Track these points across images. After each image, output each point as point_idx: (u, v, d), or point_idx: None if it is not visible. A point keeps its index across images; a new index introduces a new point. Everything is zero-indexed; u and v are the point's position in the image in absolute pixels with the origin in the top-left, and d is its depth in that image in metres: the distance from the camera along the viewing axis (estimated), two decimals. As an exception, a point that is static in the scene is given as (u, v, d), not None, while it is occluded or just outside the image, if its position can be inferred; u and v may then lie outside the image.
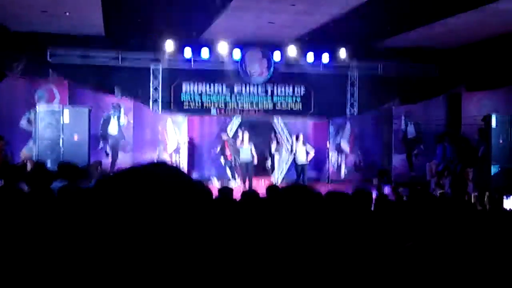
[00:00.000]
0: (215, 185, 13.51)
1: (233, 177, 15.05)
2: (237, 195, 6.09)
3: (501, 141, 12.11)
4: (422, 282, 2.61)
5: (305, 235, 2.24)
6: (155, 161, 1.28)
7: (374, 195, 6.49)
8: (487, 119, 12.51)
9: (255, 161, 14.41)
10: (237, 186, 13.72)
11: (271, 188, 5.55)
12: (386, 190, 10.45)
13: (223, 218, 3.76)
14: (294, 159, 14.95)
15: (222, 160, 15.51)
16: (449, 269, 2.64)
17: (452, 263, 2.69)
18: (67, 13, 12.88)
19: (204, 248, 1.16)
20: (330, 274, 2.11)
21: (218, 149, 15.52)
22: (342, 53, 16.45)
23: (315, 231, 2.31)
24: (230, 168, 15.40)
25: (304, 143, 14.50)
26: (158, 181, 1.14)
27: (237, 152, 14.93)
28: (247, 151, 14.49)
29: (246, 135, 14.64)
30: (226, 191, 5.23)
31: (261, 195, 5.34)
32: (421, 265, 2.73)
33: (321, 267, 2.11)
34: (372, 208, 5.89)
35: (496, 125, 12.22)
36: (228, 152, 15.23)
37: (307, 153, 14.45)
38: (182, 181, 1.19)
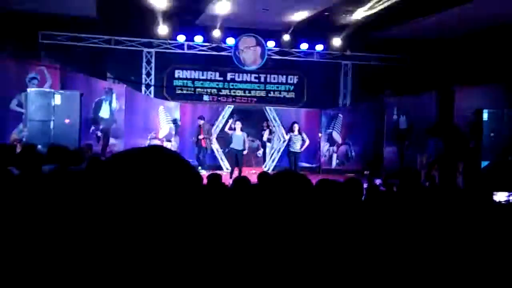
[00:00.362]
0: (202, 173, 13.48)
1: (203, 167, 14.75)
2: (225, 182, 6.07)
3: (492, 135, 12.16)
4: (414, 272, 2.61)
5: (296, 222, 2.23)
6: (152, 145, 1.26)
7: (365, 186, 6.50)
8: (479, 113, 12.55)
9: (245, 151, 14.35)
10: (225, 174, 13.71)
11: (262, 175, 5.54)
12: (377, 181, 10.47)
13: (214, 204, 3.74)
14: (287, 147, 14.93)
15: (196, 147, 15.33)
16: (441, 258, 2.65)
17: (444, 253, 2.69)
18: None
19: (198, 232, 1.16)
20: (322, 261, 2.10)
21: (195, 138, 15.32)
22: (336, 42, 16.38)
23: (306, 218, 2.31)
24: (198, 157, 15.21)
25: (300, 132, 14.49)
26: (156, 164, 1.14)
27: (224, 139, 14.91)
28: (239, 140, 14.43)
29: (239, 124, 14.59)
30: (215, 176, 5.19)
31: (252, 183, 5.33)
32: (414, 255, 2.74)
33: (313, 253, 2.10)
34: (363, 199, 5.91)
35: (488, 120, 12.27)
36: (201, 137, 15.07)
37: (303, 141, 14.45)
38: (179, 165, 1.18)
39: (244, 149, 14.20)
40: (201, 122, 15.20)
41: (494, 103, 13.35)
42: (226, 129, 15.04)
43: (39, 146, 9.91)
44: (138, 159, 1.16)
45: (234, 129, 14.63)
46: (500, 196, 6.89)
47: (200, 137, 15.06)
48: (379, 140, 16.31)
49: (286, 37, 16.24)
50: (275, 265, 1.98)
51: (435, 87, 16.04)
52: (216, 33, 15.95)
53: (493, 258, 2.74)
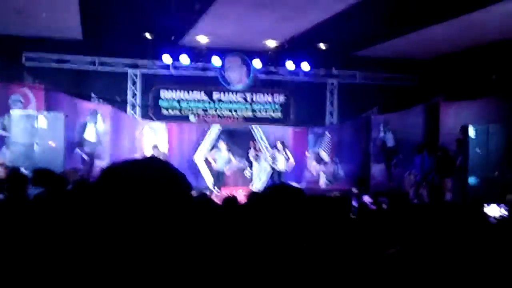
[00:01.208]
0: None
1: None
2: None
3: (478, 151, 12.18)
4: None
5: (287, 236, 2.17)
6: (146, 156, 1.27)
7: (354, 203, 6.44)
8: (465, 129, 12.57)
9: (232, 169, 14.29)
10: (212, 194, 13.62)
11: (252, 194, 5.46)
12: (366, 198, 10.42)
13: (206, 223, 3.66)
14: (272, 167, 14.91)
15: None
16: (431, 274, 2.60)
17: (435, 268, 2.64)
18: (44, 15, 12.63)
19: (191, 242, 1.18)
20: (314, 275, 2.05)
21: None
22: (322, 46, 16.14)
23: (297, 233, 2.24)
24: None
25: (284, 149, 14.46)
26: (151, 174, 1.17)
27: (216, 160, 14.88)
28: (222, 161, 14.39)
29: (222, 145, 14.56)
30: (204, 197, 5.10)
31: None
32: (403, 271, 2.68)
33: (305, 267, 2.04)
34: (353, 216, 5.85)
35: (474, 135, 12.30)
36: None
37: (287, 159, 14.41)
38: (172, 175, 1.20)
39: (223, 170, 14.11)
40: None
41: (479, 118, 13.41)
42: (214, 153, 15.00)
43: (22, 169, 9.75)
44: (135, 168, 1.19)
45: (219, 149, 14.61)
46: (492, 209, 6.86)
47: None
48: (366, 158, 16.31)
49: (272, 56, 16.22)
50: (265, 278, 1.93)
51: (421, 103, 16.13)
52: (201, 53, 15.89)
53: (487, 271, 2.69)
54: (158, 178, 1.15)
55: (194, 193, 13.99)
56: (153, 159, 1.23)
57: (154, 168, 1.18)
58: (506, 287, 2.67)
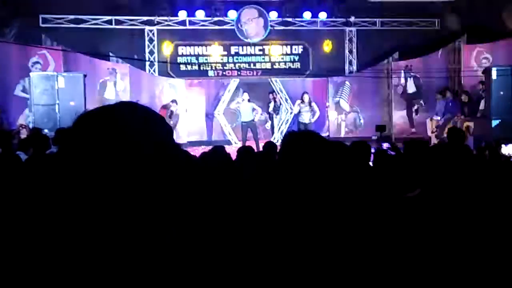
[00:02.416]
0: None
1: None
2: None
3: (501, 93, 11.97)
4: (423, 232, 2.55)
5: (304, 182, 2.15)
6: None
7: (373, 150, 6.42)
8: (488, 71, 12.35)
9: (257, 119, 14.24)
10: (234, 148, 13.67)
11: (268, 144, 5.47)
12: (385, 145, 10.38)
13: (220, 175, 3.69)
14: (297, 118, 14.80)
15: None
16: (451, 217, 2.58)
17: (454, 211, 2.62)
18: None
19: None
20: (332, 223, 2.04)
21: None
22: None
23: (314, 179, 2.22)
24: None
25: (310, 103, 14.33)
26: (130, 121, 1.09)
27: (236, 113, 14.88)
28: (247, 112, 14.32)
29: (246, 95, 14.49)
30: (219, 148, 5.10)
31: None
32: (424, 214, 2.67)
33: (321, 214, 2.03)
34: (372, 162, 5.84)
35: (497, 77, 12.07)
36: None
37: (313, 112, 14.32)
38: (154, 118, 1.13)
39: (253, 119, 14.08)
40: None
41: (502, 60, 13.14)
42: (235, 105, 14.96)
43: (46, 131, 9.91)
44: (111, 114, 1.10)
45: (242, 101, 14.56)
46: (508, 149, 6.78)
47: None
48: (387, 105, 16.16)
49: (289, 7, 15.97)
50: (279, 228, 1.92)
51: (442, 47, 15.82)
52: (218, 6, 15.73)
53: (503, 215, 2.67)
54: (133, 123, 1.08)
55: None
56: (127, 103, 1.14)
57: (129, 113, 1.11)
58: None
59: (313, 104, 14.46)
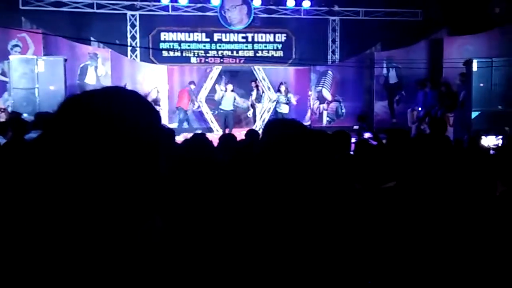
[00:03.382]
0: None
1: None
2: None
3: (481, 85, 12.09)
4: (395, 223, 2.57)
5: (284, 169, 2.15)
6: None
7: (354, 140, 6.45)
8: (469, 63, 12.45)
9: (238, 109, 14.35)
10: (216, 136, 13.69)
11: (250, 132, 5.46)
12: (366, 135, 10.44)
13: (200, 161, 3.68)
14: (275, 109, 14.90)
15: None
16: (424, 209, 2.60)
17: (428, 202, 2.64)
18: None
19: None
20: (310, 209, 2.05)
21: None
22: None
23: (295, 167, 2.22)
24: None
25: (286, 93, 14.43)
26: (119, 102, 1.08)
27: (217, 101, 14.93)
28: (229, 101, 14.37)
29: (230, 86, 14.56)
30: (200, 135, 5.08)
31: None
32: (400, 205, 2.69)
33: (302, 202, 2.03)
34: (353, 152, 5.86)
35: (477, 69, 12.19)
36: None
37: (289, 103, 14.44)
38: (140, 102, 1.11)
39: (233, 110, 14.15)
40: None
41: (483, 52, 13.25)
42: (219, 93, 15.03)
43: (25, 115, 9.79)
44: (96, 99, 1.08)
45: (225, 90, 14.62)
46: (488, 140, 6.86)
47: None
48: (369, 95, 16.23)
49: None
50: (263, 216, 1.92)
51: (424, 39, 15.91)
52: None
53: (483, 204, 2.70)
54: (121, 109, 1.06)
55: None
56: (114, 88, 1.12)
57: (116, 99, 1.08)
58: (502, 218, 2.69)
59: (290, 95, 14.57)
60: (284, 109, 14.40)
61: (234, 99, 14.46)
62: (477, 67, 12.16)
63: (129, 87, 11.45)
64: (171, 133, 3.81)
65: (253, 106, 16.30)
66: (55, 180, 1.02)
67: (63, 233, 1.00)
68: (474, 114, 12.01)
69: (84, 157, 1.00)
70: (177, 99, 15.62)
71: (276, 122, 2.31)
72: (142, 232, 1.05)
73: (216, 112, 16.04)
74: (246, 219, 1.91)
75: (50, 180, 1.02)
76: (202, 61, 16.83)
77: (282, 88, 14.51)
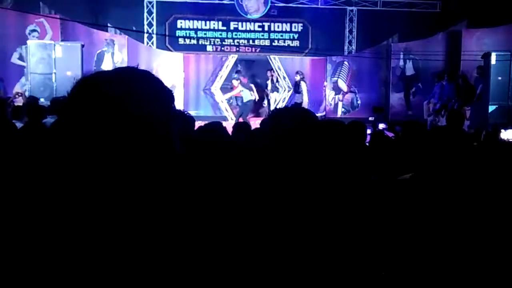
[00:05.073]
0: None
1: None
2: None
3: (499, 78, 11.97)
4: (418, 214, 2.57)
5: (297, 159, 2.14)
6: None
7: (369, 131, 6.41)
8: (487, 56, 12.33)
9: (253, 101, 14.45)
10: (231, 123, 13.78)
11: (264, 119, 5.45)
12: (381, 126, 10.39)
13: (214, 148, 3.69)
14: (293, 99, 14.94)
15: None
16: (447, 200, 2.59)
17: (445, 196, 2.63)
18: None
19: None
20: (324, 199, 2.04)
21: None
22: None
23: (308, 156, 2.22)
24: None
25: (299, 85, 14.50)
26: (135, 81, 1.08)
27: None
28: (246, 93, 14.55)
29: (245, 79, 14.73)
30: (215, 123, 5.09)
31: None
32: (416, 197, 2.68)
33: (314, 192, 2.03)
34: (368, 143, 5.83)
35: (496, 63, 12.06)
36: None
37: (300, 92, 14.52)
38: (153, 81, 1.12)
39: (249, 101, 14.29)
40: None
41: (502, 46, 13.11)
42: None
43: (42, 100, 9.87)
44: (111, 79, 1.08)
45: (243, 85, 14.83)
46: (507, 134, 6.79)
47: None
48: (385, 87, 16.13)
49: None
50: (275, 205, 1.92)
51: (442, 31, 15.74)
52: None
53: (501, 197, 2.68)
54: (134, 88, 1.06)
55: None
56: (126, 69, 1.12)
57: (130, 78, 1.08)
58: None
59: (302, 83, 14.54)
60: (297, 98, 14.38)
61: (252, 89, 14.56)
62: (496, 61, 12.03)
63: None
64: (191, 120, 3.82)
65: (267, 95, 16.27)
66: (71, 162, 1.04)
67: (81, 212, 1.01)
68: (491, 108, 11.90)
69: (96, 137, 1.02)
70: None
71: (282, 111, 2.31)
72: (158, 212, 1.05)
73: (231, 101, 16.04)
74: (260, 208, 1.91)
75: (66, 161, 1.04)
76: (218, 49, 16.82)
77: (297, 78, 14.50)
